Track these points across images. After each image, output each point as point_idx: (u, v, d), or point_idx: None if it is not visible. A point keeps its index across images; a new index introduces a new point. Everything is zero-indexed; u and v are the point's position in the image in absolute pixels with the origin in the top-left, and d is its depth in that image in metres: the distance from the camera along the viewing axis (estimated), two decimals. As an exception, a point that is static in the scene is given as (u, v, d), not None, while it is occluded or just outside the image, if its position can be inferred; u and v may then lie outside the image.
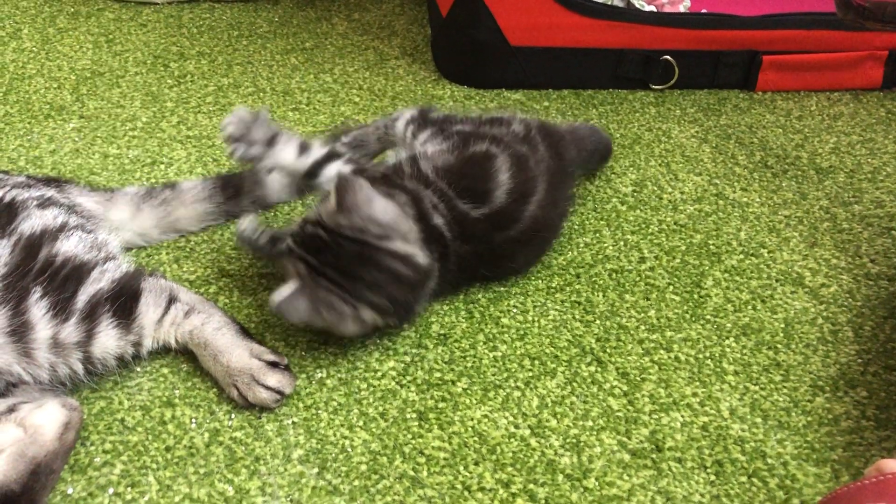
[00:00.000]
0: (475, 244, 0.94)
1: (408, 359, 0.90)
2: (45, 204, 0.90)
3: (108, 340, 0.82)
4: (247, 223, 0.94)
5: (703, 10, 1.40)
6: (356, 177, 0.87)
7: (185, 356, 0.89)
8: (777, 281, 1.03)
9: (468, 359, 0.91)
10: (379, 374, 0.88)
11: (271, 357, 0.85)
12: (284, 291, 0.84)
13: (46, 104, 1.31)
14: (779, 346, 0.95)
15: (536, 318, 0.96)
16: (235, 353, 0.85)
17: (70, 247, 0.86)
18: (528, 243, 0.99)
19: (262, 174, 1.07)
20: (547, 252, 1.04)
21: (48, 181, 0.98)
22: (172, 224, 1.03)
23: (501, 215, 0.94)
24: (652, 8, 1.36)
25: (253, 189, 1.08)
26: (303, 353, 0.90)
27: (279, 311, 0.83)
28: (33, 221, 0.86)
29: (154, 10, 1.60)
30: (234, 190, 1.06)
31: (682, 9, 1.40)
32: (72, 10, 1.58)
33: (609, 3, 1.35)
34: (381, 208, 0.86)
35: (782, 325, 0.97)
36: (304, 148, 0.96)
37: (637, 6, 1.35)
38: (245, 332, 0.88)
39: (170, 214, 1.02)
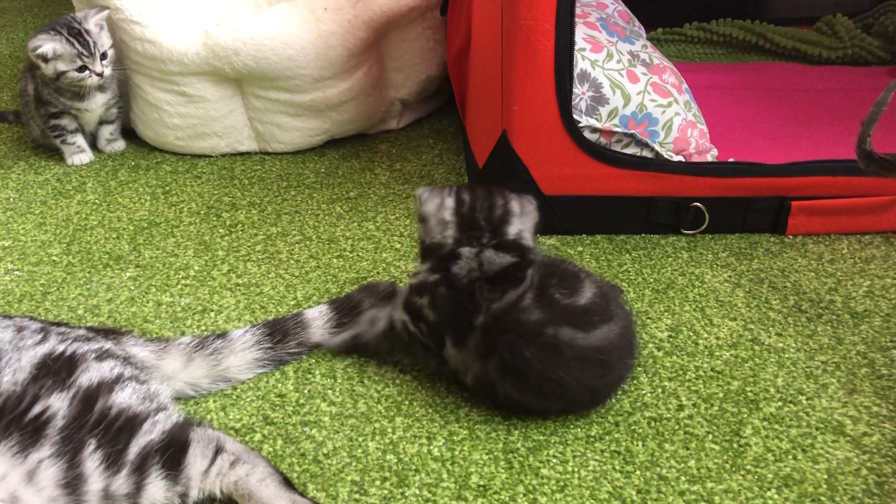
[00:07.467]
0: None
1: (447, 511, 0.91)
2: (102, 356, 0.95)
3: (157, 492, 0.85)
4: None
5: (731, 159, 1.46)
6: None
7: (229, 507, 0.91)
8: (817, 429, 1.03)
9: (508, 511, 0.91)
10: (419, 526, 0.89)
11: (313, 509, 0.87)
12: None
13: (105, 254, 1.39)
14: (823, 498, 0.93)
15: (576, 469, 0.96)
16: (278, 506, 0.86)
17: (124, 398, 0.89)
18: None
19: (305, 317, 1.14)
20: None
21: (107, 333, 1.03)
22: (222, 373, 1.07)
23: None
24: (680, 158, 1.42)
25: (298, 332, 1.13)
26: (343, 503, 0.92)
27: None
28: (91, 374, 0.90)
29: (208, 161, 1.71)
30: (281, 335, 1.11)
31: (709, 158, 1.46)
32: (132, 163, 1.70)
33: (638, 153, 1.41)
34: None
35: (825, 476, 0.96)
36: None
37: (665, 156, 1.41)
38: (288, 483, 0.90)
39: (220, 363, 1.06)
